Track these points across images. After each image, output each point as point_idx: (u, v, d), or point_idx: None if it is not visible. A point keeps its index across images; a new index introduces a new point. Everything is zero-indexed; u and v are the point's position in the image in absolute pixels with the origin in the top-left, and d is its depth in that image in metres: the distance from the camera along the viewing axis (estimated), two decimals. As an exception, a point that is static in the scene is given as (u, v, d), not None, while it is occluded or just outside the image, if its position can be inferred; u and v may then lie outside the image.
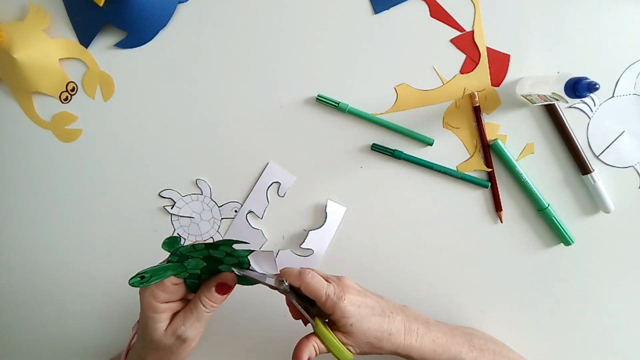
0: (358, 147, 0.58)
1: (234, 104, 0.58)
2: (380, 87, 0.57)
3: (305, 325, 0.47)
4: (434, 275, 0.61)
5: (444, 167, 0.58)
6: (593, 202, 0.58)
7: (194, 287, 0.45)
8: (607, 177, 0.57)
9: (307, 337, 0.45)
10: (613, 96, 0.56)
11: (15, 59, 0.55)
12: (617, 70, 0.55)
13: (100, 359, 0.66)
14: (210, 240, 0.61)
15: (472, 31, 0.55)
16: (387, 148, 0.57)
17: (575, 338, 0.61)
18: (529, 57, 0.55)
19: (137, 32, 0.57)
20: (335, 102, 0.56)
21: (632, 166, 0.57)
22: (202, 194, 0.61)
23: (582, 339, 0.61)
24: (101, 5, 0.53)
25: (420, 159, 0.58)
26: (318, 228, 0.60)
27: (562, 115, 0.56)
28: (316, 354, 0.45)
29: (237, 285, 0.45)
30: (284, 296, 0.47)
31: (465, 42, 0.56)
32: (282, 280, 0.45)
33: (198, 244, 0.42)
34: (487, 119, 0.57)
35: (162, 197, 0.61)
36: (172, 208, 0.61)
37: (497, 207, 0.58)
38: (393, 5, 0.55)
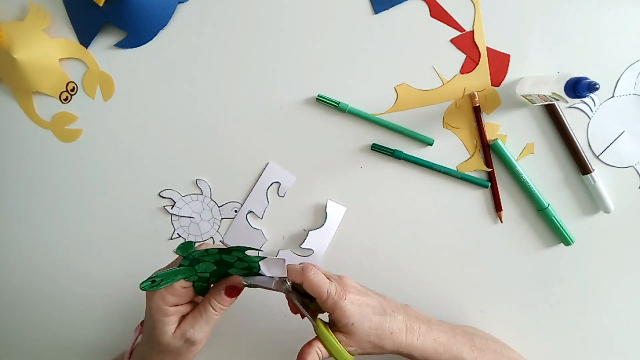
0: (358, 147, 0.58)
1: (234, 104, 0.58)
2: (380, 87, 0.57)
3: (303, 318, 0.47)
4: (434, 275, 0.61)
5: (444, 167, 0.58)
6: (593, 202, 0.58)
7: (202, 290, 0.45)
8: (607, 177, 0.57)
9: (310, 342, 0.45)
10: (613, 96, 0.56)
11: (15, 59, 0.55)
12: (617, 70, 0.55)
13: (100, 359, 0.66)
14: (210, 241, 0.62)
15: (472, 31, 0.55)
16: (387, 148, 0.57)
17: (575, 338, 0.61)
18: (529, 57, 0.55)
19: (137, 32, 0.57)
20: (335, 102, 0.56)
21: (632, 166, 0.57)
22: (202, 194, 0.61)
23: (582, 339, 0.61)
24: (101, 5, 0.53)
25: (420, 159, 0.58)
26: (318, 228, 0.60)
27: (562, 115, 0.56)
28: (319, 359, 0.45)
29: None
30: (284, 293, 0.47)
31: (465, 42, 0.56)
32: (285, 281, 0.45)
33: (211, 248, 0.42)
34: (487, 119, 0.57)
35: (162, 197, 0.61)
36: (172, 208, 0.61)
37: (497, 207, 0.58)
38: (393, 5, 0.55)
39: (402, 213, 0.60)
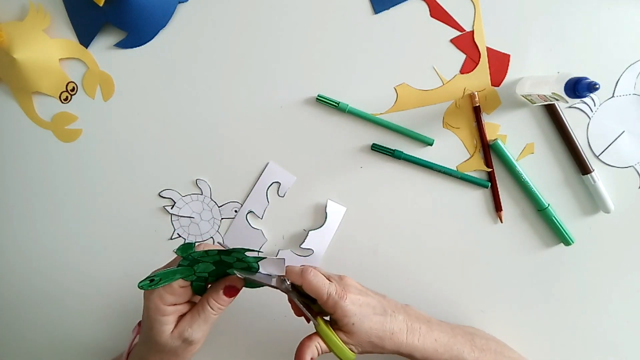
0: (358, 147, 0.58)
1: (234, 104, 0.58)
2: (380, 87, 0.57)
3: (308, 322, 0.47)
4: (434, 276, 0.61)
5: (444, 167, 0.58)
6: (593, 202, 0.58)
7: (200, 289, 0.45)
8: (607, 177, 0.57)
9: (309, 337, 0.45)
10: (613, 96, 0.56)
11: (15, 59, 0.55)
12: (617, 70, 0.55)
13: (100, 359, 0.66)
14: (210, 241, 0.62)
15: (472, 31, 0.55)
16: (387, 148, 0.57)
17: (575, 338, 0.61)
18: (529, 57, 0.55)
19: (137, 32, 0.57)
20: (335, 102, 0.56)
21: (632, 166, 0.57)
22: (202, 194, 0.61)
23: (582, 339, 0.61)
24: (101, 5, 0.53)
25: (420, 159, 0.58)
26: (318, 228, 0.60)
27: (562, 115, 0.56)
28: (318, 354, 0.45)
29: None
30: (286, 295, 0.47)
31: (465, 42, 0.56)
32: (284, 280, 0.45)
33: (211, 250, 0.42)
34: (487, 119, 0.57)
35: (162, 197, 0.61)
36: (172, 208, 0.61)
37: (497, 207, 0.58)
38: (393, 5, 0.55)
39: (402, 213, 0.60)
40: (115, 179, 0.61)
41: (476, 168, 0.58)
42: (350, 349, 0.45)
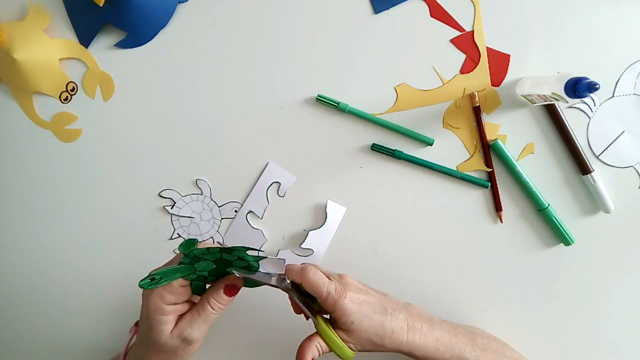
0: (358, 147, 0.58)
1: (234, 104, 0.58)
2: (380, 87, 0.57)
3: (307, 320, 0.47)
4: (434, 276, 0.61)
5: (444, 167, 0.58)
6: (593, 202, 0.58)
7: (199, 289, 0.45)
8: (607, 177, 0.57)
9: (310, 337, 0.45)
10: (613, 96, 0.56)
11: (15, 59, 0.55)
12: (617, 70, 0.55)
13: (100, 359, 0.66)
14: (210, 241, 0.62)
15: (472, 31, 0.55)
16: (387, 148, 0.57)
17: (575, 338, 0.61)
18: (529, 57, 0.55)
19: (137, 32, 0.57)
20: (335, 102, 0.56)
21: (632, 166, 0.57)
22: (202, 194, 0.61)
23: (582, 339, 0.61)
24: (101, 5, 0.53)
25: (420, 159, 0.58)
26: (318, 228, 0.60)
27: (562, 115, 0.56)
28: (319, 354, 0.45)
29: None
30: (286, 293, 0.47)
31: (465, 42, 0.56)
32: (284, 278, 0.45)
33: (213, 247, 0.42)
34: (487, 119, 0.57)
35: (162, 197, 0.61)
36: (172, 208, 0.61)
37: (497, 207, 0.58)
38: (393, 5, 0.55)
39: (402, 213, 0.60)
40: (115, 179, 0.61)
41: (476, 168, 0.58)
42: (349, 347, 0.45)
